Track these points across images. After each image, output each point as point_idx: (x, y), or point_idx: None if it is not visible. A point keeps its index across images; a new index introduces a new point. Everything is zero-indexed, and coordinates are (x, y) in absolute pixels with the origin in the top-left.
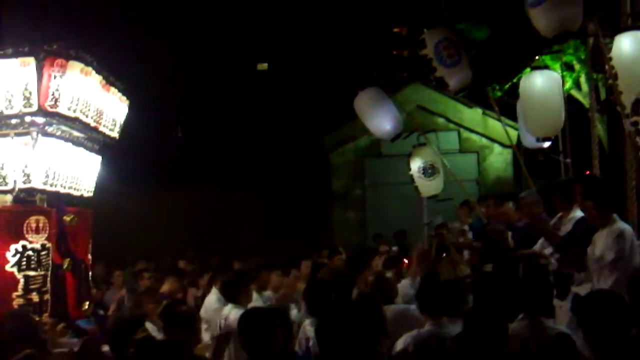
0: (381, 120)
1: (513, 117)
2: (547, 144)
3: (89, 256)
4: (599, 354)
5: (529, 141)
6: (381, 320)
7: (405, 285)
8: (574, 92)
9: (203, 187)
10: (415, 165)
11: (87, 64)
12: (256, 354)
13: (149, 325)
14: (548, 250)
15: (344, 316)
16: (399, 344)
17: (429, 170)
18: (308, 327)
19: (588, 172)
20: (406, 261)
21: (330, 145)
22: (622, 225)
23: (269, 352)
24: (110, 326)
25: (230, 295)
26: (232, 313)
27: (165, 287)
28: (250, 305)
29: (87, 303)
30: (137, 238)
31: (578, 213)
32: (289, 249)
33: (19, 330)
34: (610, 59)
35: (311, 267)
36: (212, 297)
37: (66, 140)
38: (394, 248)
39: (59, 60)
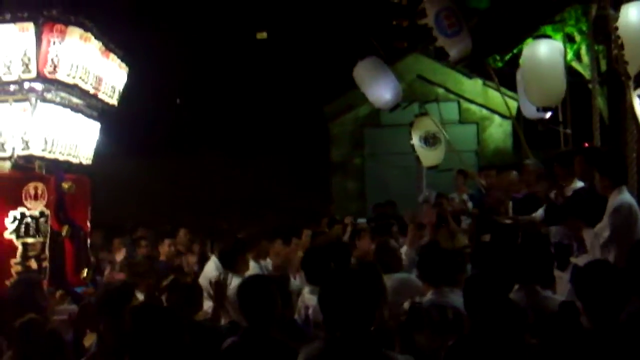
0: (380, 90)
1: (513, 88)
2: (548, 115)
3: (88, 223)
4: (597, 324)
5: (529, 111)
6: (381, 289)
7: (409, 253)
8: (575, 64)
9: (202, 155)
10: (417, 134)
11: (86, 29)
12: (255, 322)
13: (140, 296)
14: None
15: (345, 284)
16: (401, 312)
17: (430, 140)
18: (307, 296)
19: (587, 144)
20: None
21: (330, 114)
22: (622, 198)
23: (268, 320)
24: (100, 294)
25: (229, 264)
26: (232, 281)
27: (161, 252)
28: (248, 273)
29: (86, 270)
30: (136, 205)
31: (579, 184)
32: (288, 217)
33: (23, 296)
34: (616, 28)
35: (311, 236)
36: (211, 265)
37: (65, 106)
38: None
39: (58, 26)
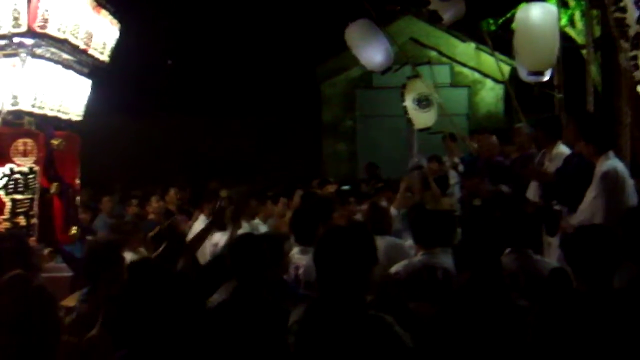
0: (372, 53)
1: (506, 52)
2: (544, 78)
3: (77, 181)
4: (589, 289)
5: (525, 75)
6: (372, 248)
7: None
8: (568, 29)
9: (193, 116)
10: (410, 96)
11: None
12: (245, 281)
13: (127, 255)
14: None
15: (339, 241)
16: (391, 272)
17: (423, 102)
18: (297, 256)
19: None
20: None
21: (322, 75)
22: (610, 164)
23: (258, 279)
24: (85, 253)
25: (220, 223)
26: (222, 240)
27: (149, 210)
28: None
29: (75, 228)
30: (125, 165)
31: (562, 148)
32: (278, 179)
33: (12, 251)
34: None
35: (303, 196)
36: (199, 225)
37: (55, 62)
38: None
39: None
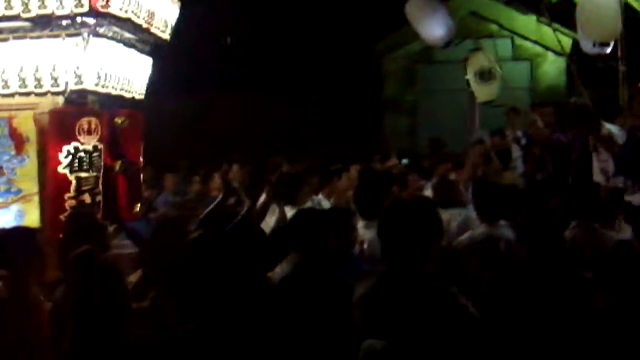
0: (433, 27)
1: (568, 24)
2: (608, 50)
3: (141, 159)
4: None
5: (588, 47)
6: (437, 220)
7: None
8: (631, 0)
9: (254, 93)
10: (472, 70)
11: None
12: (308, 255)
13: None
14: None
15: (401, 215)
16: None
17: (486, 75)
18: (361, 230)
19: None
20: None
21: (382, 51)
22: None
23: (320, 253)
24: (152, 229)
25: (287, 198)
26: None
27: (212, 187)
28: None
29: (139, 205)
30: (187, 143)
31: (609, 126)
32: (341, 154)
33: (83, 228)
34: None
35: (361, 170)
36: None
37: (117, 41)
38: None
39: None
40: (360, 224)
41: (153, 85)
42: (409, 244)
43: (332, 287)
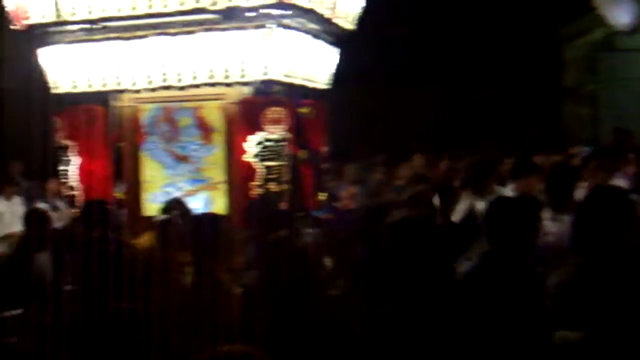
0: (620, 12)
1: None
2: None
3: (324, 148)
4: None
5: None
6: (631, 211)
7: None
8: None
9: (432, 84)
10: None
11: None
12: (500, 245)
13: None
14: None
15: (597, 207)
16: None
17: None
18: (548, 223)
19: None
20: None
21: (562, 38)
22: None
23: (513, 243)
24: (362, 214)
25: (476, 187)
26: (477, 204)
27: (398, 176)
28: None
29: (322, 194)
30: (368, 133)
31: None
32: (516, 145)
33: (271, 214)
34: None
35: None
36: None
37: (303, 32)
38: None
39: None
40: (547, 216)
41: (336, 75)
42: (604, 235)
43: (525, 276)
